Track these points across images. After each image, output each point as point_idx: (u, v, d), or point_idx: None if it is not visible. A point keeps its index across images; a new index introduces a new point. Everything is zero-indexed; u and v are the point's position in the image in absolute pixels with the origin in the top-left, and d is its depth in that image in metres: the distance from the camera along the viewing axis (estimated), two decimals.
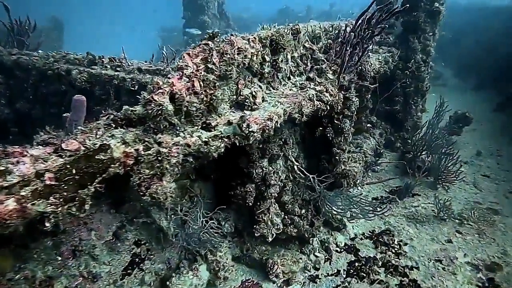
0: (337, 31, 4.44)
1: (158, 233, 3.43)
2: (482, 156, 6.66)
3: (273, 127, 2.89)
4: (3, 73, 5.98)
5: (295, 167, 4.07)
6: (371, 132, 6.45)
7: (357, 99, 4.12)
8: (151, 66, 4.56)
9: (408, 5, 4.17)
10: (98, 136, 2.40)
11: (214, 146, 2.59)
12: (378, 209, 4.15)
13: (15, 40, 6.55)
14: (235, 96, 3.03)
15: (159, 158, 2.37)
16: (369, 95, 6.29)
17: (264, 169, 3.57)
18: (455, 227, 4.62)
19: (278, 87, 3.52)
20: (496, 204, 5.10)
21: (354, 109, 4.09)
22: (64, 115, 2.63)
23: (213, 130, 2.66)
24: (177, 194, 3.70)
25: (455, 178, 5.29)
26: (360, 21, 4.02)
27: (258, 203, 3.74)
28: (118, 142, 2.38)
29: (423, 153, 5.74)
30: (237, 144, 2.71)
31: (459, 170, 5.32)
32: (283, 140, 3.83)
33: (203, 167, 3.83)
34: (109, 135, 2.45)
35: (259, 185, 3.67)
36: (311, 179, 4.12)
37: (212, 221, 3.62)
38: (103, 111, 2.69)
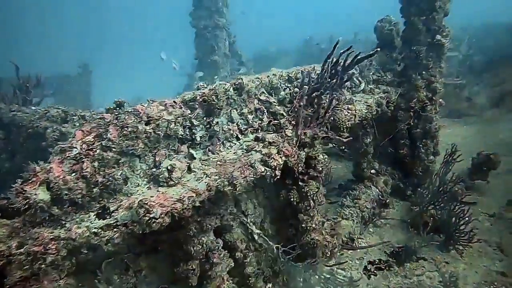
0: (307, 78, 3.98)
1: None
2: None
3: (190, 207, 2.47)
4: (4, 128, 6.25)
5: (255, 236, 3.55)
6: (374, 180, 5.72)
7: (325, 156, 3.57)
8: None
9: (379, 48, 3.64)
10: None
11: (106, 237, 2.23)
12: None
13: (19, 96, 6.90)
14: (154, 169, 2.68)
15: (29, 257, 2.04)
16: (369, 139, 5.66)
17: (204, 245, 3.11)
18: None
19: (220, 151, 3.12)
20: None
21: (321, 168, 3.53)
22: None
23: (108, 217, 2.30)
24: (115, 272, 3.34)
25: (468, 241, 4.36)
26: (325, 68, 3.57)
27: (205, 282, 3.25)
28: None
29: (431, 206, 4.87)
30: (140, 232, 2.32)
31: (472, 231, 4.38)
32: (232, 208, 3.36)
33: (150, 237, 3.47)
34: None
35: (204, 262, 3.19)
36: (275, 249, 3.57)
37: None
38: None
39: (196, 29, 11.76)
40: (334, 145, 7.40)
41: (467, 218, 4.45)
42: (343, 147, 7.44)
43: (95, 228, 2.21)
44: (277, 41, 26.53)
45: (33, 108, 6.10)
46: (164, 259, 3.59)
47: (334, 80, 3.40)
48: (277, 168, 3.04)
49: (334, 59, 3.41)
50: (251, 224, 3.56)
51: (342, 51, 3.26)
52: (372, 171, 5.89)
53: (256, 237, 3.55)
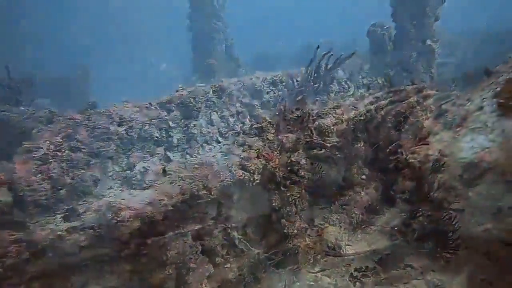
0: (291, 81, 3.96)
1: None
2: (503, 214, 5.48)
3: (161, 211, 2.42)
4: None
5: (236, 241, 3.49)
6: (364, 186, 5.65)
7: (308, 160, 3.52)
8: None
9: (355, 51, 3.62)
10: None
11: (71, 240, 2.17)
12: None
13: (11, 97, 6.88)
14: (128, 171, 2.63)
15: None
16: (359, 145, 5.59)
17: (181, 250, 3.05)
18: None
19: (199, 154, 3.07)
20: None
21: (303, 173, 3.48)
22: None
23: (76, 219, 2.25)
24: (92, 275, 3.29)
25: (455, 249, 4.28)
26: (309, 71, 3.53)
27: (182, 287, 3.18)
28: None
29: (419, 213, 4.80)
30: (107, 236, 2.27)
31: (459, 238, 4.31)
32: (213, 212, 3.31)
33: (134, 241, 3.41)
34: None
35: (181, 267, 3.13)
36: (256, 255, 3.52)
37: None
38: None
39: (193, 32, 11.77)
40: (327, 150, 7.33)
41: (455, 226, 4.37)
42: (336, 152, 7.38)
43: (59, 230, 2.15)
44: (277, 45, 26.58)
45: (22, 108, 6.07)
46: (148, 263, 3.54)
47: (317, 84, 3.36)
48: (256, 172, 2.99)
49: (317, 62, 3.37)
50: (231, 229, 3.51)
51: (323, 53, 3.23)
52: (362, 176, 5.82)
53: (237, 242, 3.50)
